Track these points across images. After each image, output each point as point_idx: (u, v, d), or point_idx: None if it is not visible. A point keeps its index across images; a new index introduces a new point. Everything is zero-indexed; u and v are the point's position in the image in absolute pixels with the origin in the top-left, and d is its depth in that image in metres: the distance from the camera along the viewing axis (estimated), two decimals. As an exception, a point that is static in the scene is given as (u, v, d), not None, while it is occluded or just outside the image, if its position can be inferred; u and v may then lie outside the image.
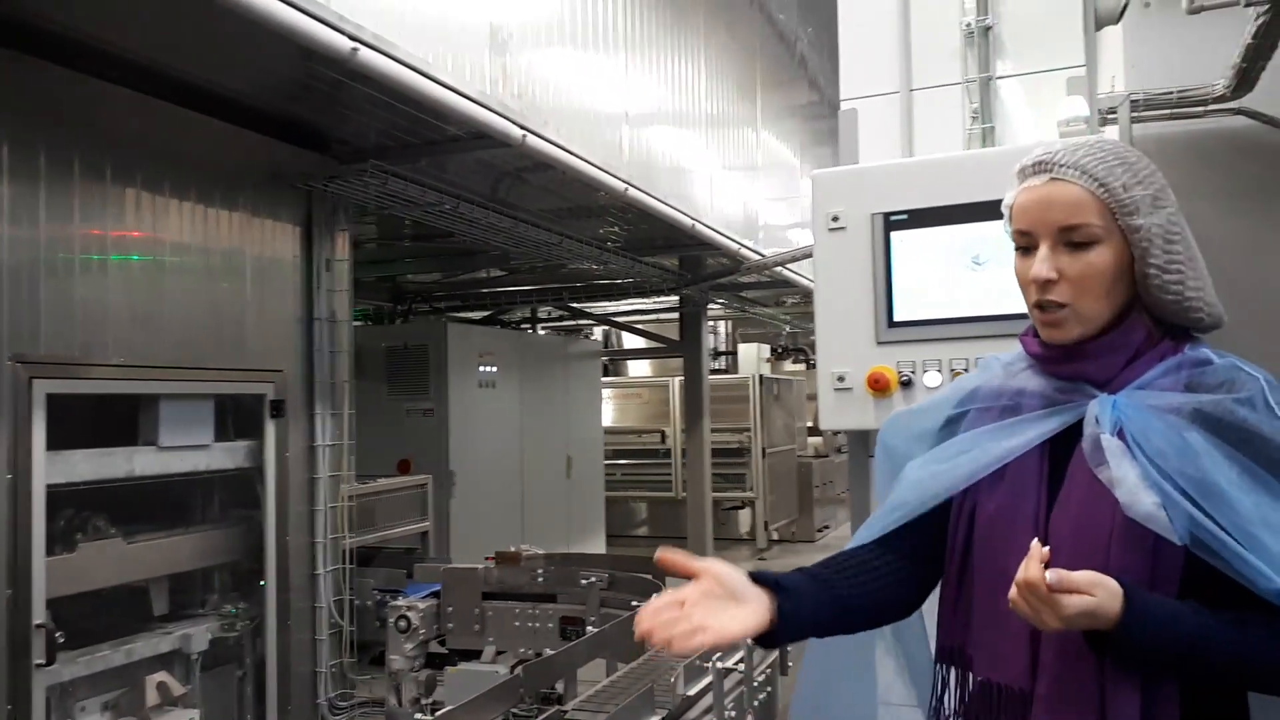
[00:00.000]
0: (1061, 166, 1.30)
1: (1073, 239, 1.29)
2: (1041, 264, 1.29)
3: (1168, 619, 1.17)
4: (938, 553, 1.44)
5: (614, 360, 13.39)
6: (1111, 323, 1.31)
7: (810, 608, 1.36)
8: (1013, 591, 1.17)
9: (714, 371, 11.93)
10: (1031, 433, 1.34)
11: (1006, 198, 1.39)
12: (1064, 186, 1.30)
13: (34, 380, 3.13)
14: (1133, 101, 4.68)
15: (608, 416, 11.41)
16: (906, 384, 2.53)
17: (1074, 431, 1.32)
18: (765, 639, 1.33)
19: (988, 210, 2.44)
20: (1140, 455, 1.23)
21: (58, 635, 3.16)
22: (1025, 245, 1.34)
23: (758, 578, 1.32)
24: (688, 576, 1.30)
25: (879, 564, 1.46)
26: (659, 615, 1.24)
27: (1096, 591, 1.14)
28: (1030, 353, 1.40)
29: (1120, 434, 1.25)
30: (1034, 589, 1.15)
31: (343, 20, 3.10)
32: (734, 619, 1.27)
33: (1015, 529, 1.32)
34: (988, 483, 1.37)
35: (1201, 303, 1.31)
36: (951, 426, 1.47)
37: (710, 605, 1.26)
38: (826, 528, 12.93)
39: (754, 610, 1.29)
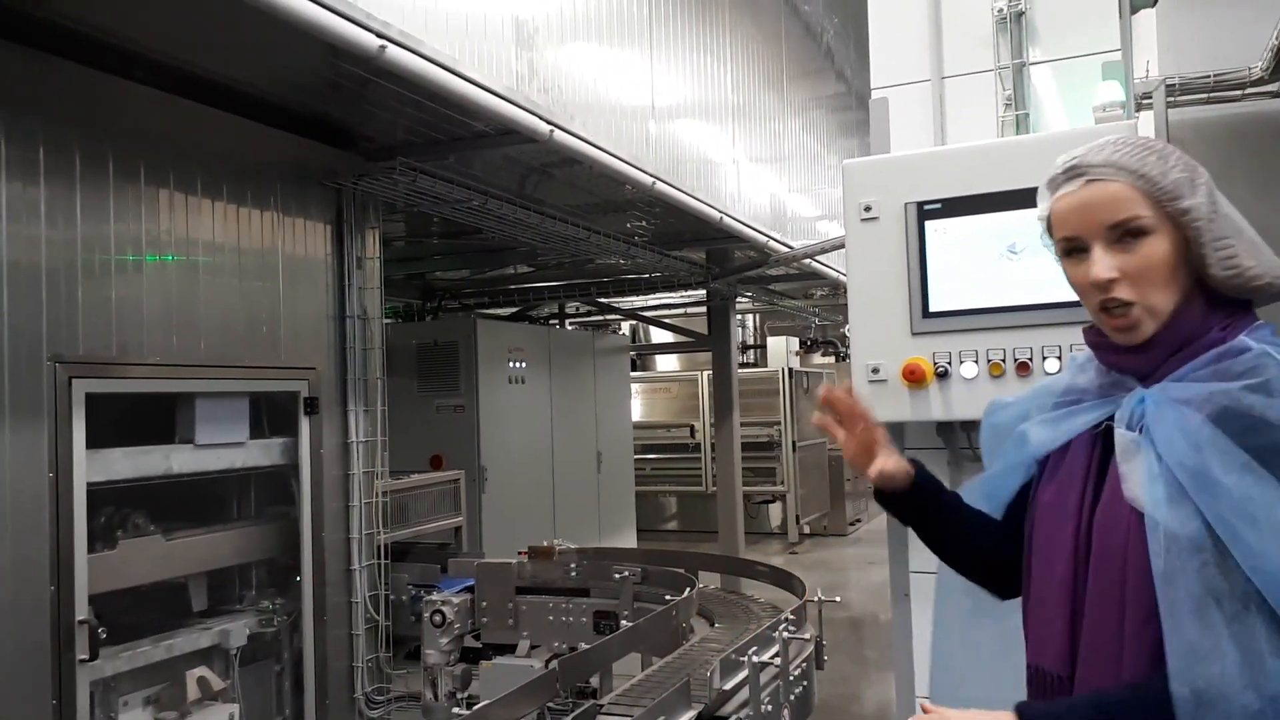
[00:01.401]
0: (1094, 167, 1.30)
1: (1125, 233, 1.28)
2: (1100, 265, 1.28)
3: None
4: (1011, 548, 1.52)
5: (642, 355, 13.39)
6: (1173, 314, 1.29)
7: (935, 488, 1.62)
8: None
9: (743, 365, 11.90)
10: (1074, 424, 1.38)
11: (1039, 209, 1.39)
12: (1102, 185, 1.29)
13: (74, 380, 3.17)
14: (1168, 86, 4.61)
15: (637, 411, 11.43)
16: (943, 375, 2.51)
17: None
18: (894, 493, 1.61)
19: (1023, 198, 2.41)
20: (1150, 449, 1.24)
21: (100, 631, 3.21)
22: (1074, 250, 1.33)
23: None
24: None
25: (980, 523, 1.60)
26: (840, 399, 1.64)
27: None
28: (1089, 343, 1.41)
29: (1142, 429, 1.27)
30: None
31: (370, 18, 3.11)
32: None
33: (1061, 522, 1.35)
34: (1046, 476, 1.42)
35: (1261, 269, 1.29)
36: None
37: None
38: (859, 521, 12.87)
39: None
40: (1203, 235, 1.27)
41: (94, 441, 3.25)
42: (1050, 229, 1.38)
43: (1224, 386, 1.21)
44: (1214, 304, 1.30)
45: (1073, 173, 1.32)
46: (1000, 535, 1.54)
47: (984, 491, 1.58)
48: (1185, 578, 1.15)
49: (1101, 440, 1.35)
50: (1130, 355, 1.31)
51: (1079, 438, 1.38)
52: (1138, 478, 1.23)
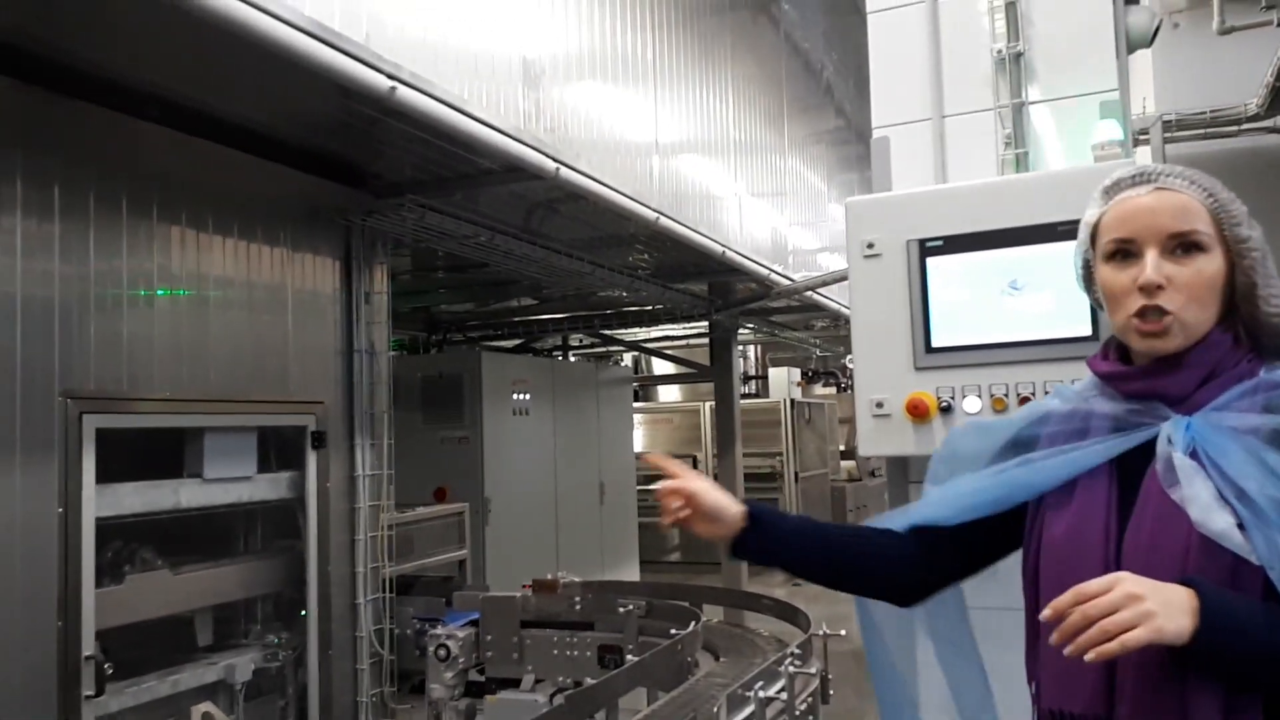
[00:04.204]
0: (1167, 176, 1.32)
1: (1183, 244, 1.29)
2: (1152, 269, 1.27)
3: (1248, 617, 1.15)
4: (951, 562, 1.49)
5: (645, 386, 13.41)
6: (1202, 337, 1.29)
7: (787, 526, 1.54)
8: (1073, 647, 1.14)
9: (745, 396, 11.91)
10: (1094, 453, 1.33)
11: (1088, 215, 1.39)
12: (1171, 195, 1.31)
13: (84, 415, 3.20)
14: (1165, 122, 4.67)
15: (639, 442, 11.42)
16: (946, 410, 2.53)
17: (1144, 456, 1.30)
18: (738, 540, 1.51)
19: (1024, 235, 2.46)
20: (1216, 475, 1.22)
21: (106, 666, 3.21)
22: (1124, 253, 1.32)
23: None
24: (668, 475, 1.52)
25: (887, 540, 1.53)
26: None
27: (1115, 588, 1.13)
28: (1099, 373, 1.39)
29: (1194, 455, 1.25)
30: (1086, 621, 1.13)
31: (381, 60, 3.17)
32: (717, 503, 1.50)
33: (1085, 553, 1.30)
34: (1055, 507, 1.36)
35: None
36: (1019, 449, 1.44)
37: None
38: (861, 552, 12.83)
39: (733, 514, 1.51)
40: (1258, 268, 1.29)
41: (103, 476, 3.27)
42: (1095, 234, 1.38)
43: None
44: (1249, 345, 1.32)
45: (1142, 178, 1.33)
46: (904, 544, 1.50)
47: (956, 495, 1.46)
48: None
49: (1119, 470, 1.32)
50: (1164, 378, 1.30)
51: (1086, 471, 1.34)
52: (1204, 502, 1.20)
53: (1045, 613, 1.17)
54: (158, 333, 3.55)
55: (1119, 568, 1.23)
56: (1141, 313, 1.28)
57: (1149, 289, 1.27)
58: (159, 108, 3.58)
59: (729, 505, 1.50)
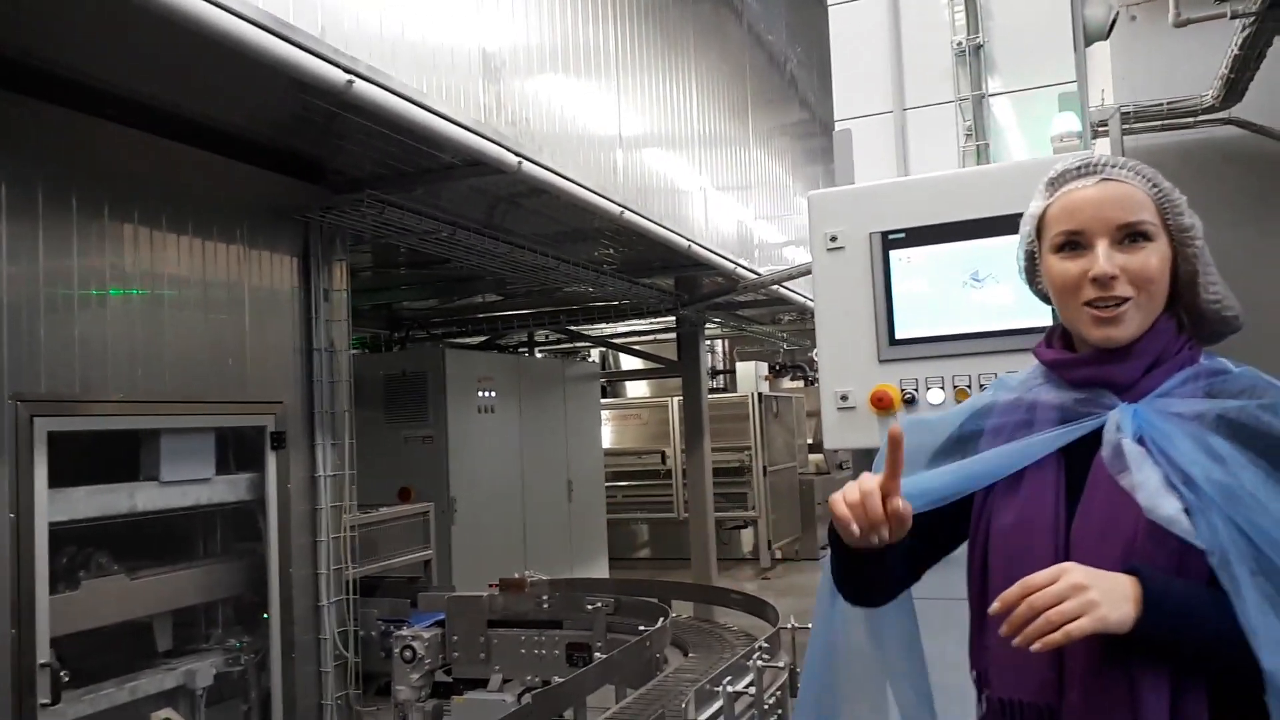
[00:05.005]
0: (1111, 167, 1.33)
1: (1131, 234, 1.30)
2: (1105, 261, 1.28)
3: (1191, 602, 1.17)
4: (910, 560, 1.45)
5: (612, 382, 13.38)
6: (1154, 325, 1.32)
7: None
8: (1022, 638, 1.16)
9: (712, 390, 11.92)
10: (1043, 442, 1.34)
11: (1032, 207, 1.40)
12: (1117, 185, 1.32)
13: (35, 418, 3.12)
14: (1123, 114, 4.72)
15: (607, 438, 11.40)
16: (910, 402, 2.54)
17: (1090, 444, 1.31)
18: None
19: (986, 227, 2.47)
20: (1164, 461, 1.23)
21: (62, 674, 3.14)
22: (1073, 244, 1.33)
23: None
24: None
25: None
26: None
27: (1060, 578, 1.14)
28: (1046, 361, 1.40)
29: (1141, 441, 1.26)
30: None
31: (338, 54, 3.12)
32: None
33: (1034, 542, 1.30)
34: (1003, 496, 1.36)
35: (1231, 302, 1.34)
36: (962, 445, 1.44)
37: None
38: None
39: None
40: (1200, 257, 1.31)
41: (56, 480, 3.19)
42: (1041, 227, 1.38)
43: (1237, 404, 1.23)
44: (1188, 332, 1.35)
45: (1086, 169, 1.34)
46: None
47: (921, 489, 1.39)
48: (1259, 521, 1.16)
49: (1066, 458, 1.33)
50: (1111, 366, 1.31)
51: (1034, 461, 1.34)
52: (1152, 488, 1.22)
53: (994, 606, 1.19)
54: (111, 333, 3.47)
55: (1068, 556, 1.25)
56: (1095, 303, 1.29)
57: (1103, 280, 1.28)
58: (112, 104, 3.50)
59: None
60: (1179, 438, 1.24)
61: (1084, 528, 1.28)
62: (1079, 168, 1.35)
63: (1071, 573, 1.16)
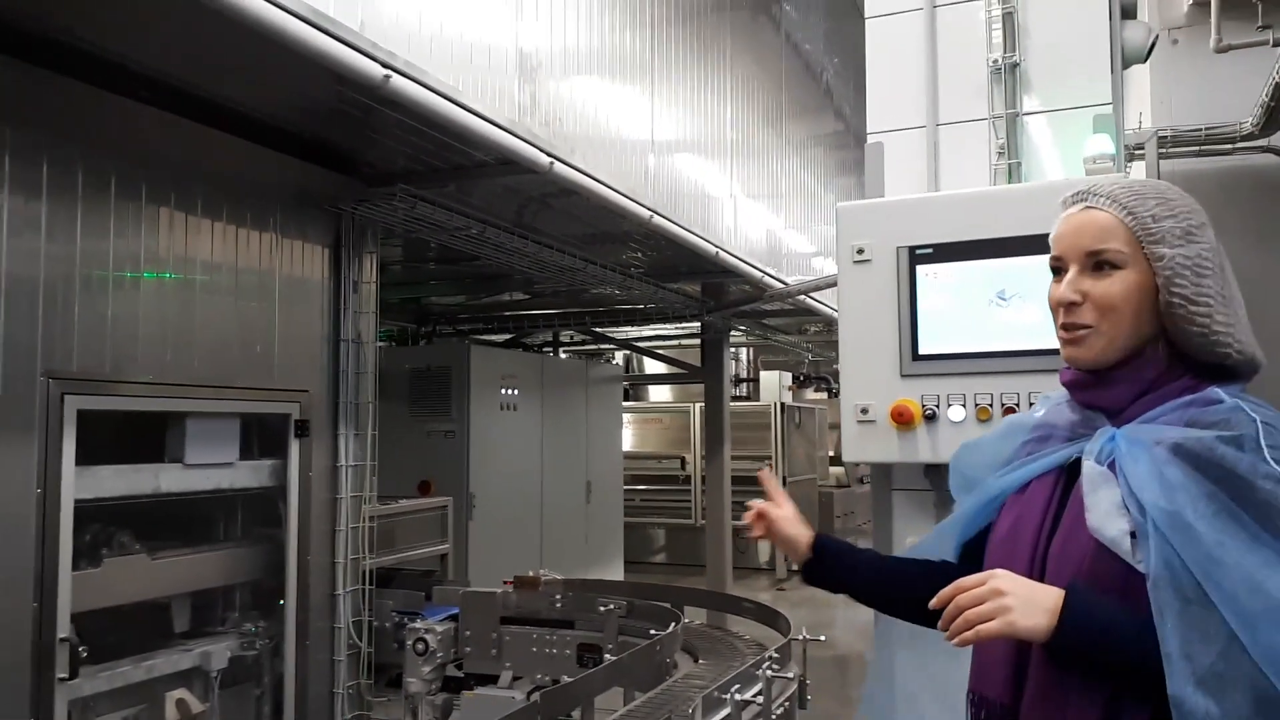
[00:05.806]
0: (1095, 195, 1.37)
1: (1097, 262, 1.34)
2: (1066, 286, 1.36)
3: (1113, 623, 1.21)
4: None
5: (635, 385, 13.39)
6: (1134, 352, 1.34)
7: (850, 559, 1.68)
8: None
9: (735, 398, 11.91)
10: (1045, 461, 1.43)
11: (1053, 230, 1.45)
12: (1095, 214, 1.36)
13: (66, 396, 3.17)
14: (1160, 138, 4.68)
15: (628, 441, 11.41)
16: (930, 417, 2.53)
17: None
18: (806, 568, 1.68)
19: (1013, 246, 2.46)
20: (1124, 485, 1.27)
21: (81, 650, 3.19)
22: (1056, 269, 1.40)
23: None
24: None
25: (937, 567, 1.60)
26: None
27: (986, 583, 1.23)
28: (1062, 382, 1.45)
29: (1112, 465, 1.30)
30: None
31: (376, 48, 3.15)
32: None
33: (1017, 552, 1.38)
34: (1008, 509, 1.46)
35: (1231, 339, 1.32)
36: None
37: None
38: (845, 558, 12.82)
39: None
40: (1173, 284, 1.31)
41: (83, 458, 3.24)
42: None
43: (1197, 434, 1.24)
44: (1190, 364, 1.34)
45: (1078, 197, 1.40)
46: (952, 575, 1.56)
47: (954, 530, 1.60)
48: (1190, 551, 1.18)
49: (1065, 475, 1.40)
50: (1098, 391, 1.37)
51: (1040, 475, 1.43)
52: (1103, 509, 1.27)
53: (931, 601, 1.29)
54: (143, 315, 3.52)
55: (1044, 568, 1.33)
56: (1064, 326, 1.37)
57: (1059, 305, 1.37)
58: (150, 89, 3.56)
59: (800, 537, 1.68)
60: (1141, 463, 1.27)
61: (1057, 544, 1.35)
62: (1073, 194, 1.40)
63: (997, 579, 1.24)
